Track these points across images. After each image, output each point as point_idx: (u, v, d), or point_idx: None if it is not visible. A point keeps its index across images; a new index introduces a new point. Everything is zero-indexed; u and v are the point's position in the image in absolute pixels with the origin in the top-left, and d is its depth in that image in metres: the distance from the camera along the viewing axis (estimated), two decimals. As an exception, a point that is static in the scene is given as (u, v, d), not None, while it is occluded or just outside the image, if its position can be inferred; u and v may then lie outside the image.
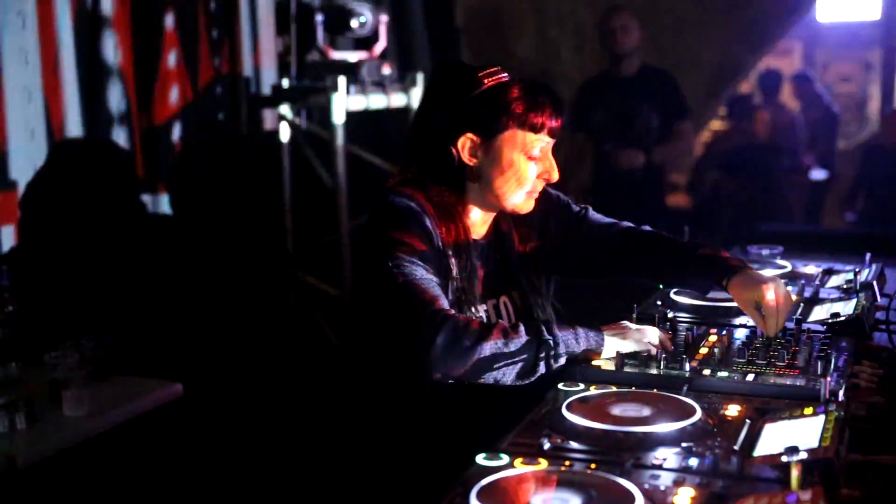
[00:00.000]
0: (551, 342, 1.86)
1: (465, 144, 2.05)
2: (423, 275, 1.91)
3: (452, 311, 1.87)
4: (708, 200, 6.93)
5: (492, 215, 2.17)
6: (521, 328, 1.87)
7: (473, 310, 2.04)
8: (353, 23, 4.44)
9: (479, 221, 2.15)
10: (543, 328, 1.88)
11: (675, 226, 2.46)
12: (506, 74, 2.07)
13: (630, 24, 4.92)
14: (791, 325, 2.09)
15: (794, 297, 2.18)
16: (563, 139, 2.12)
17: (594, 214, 2.32)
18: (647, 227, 2.31)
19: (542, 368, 1.86)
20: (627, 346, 1.93)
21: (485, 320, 2.06)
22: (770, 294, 2.00)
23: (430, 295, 1.87)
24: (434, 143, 2.06)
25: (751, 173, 6.67)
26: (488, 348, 1.82)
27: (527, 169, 2.05)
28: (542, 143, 2.05)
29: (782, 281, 2.07)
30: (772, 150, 7.10)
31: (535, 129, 2.03)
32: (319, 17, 4.46)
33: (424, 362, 1.82)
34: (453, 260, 2.02)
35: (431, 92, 2.12)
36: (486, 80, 2.04)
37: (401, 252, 1.92)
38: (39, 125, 3.39)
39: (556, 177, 2.09)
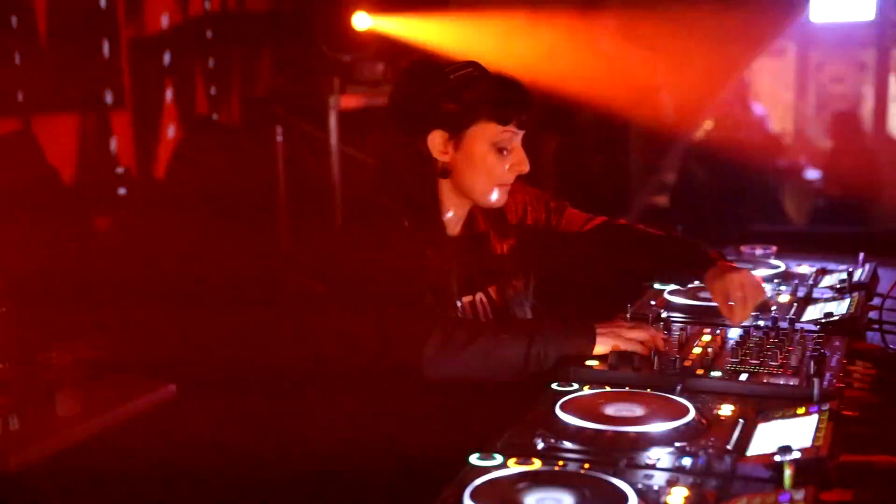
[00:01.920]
0: (541, 339, 1.87)
1: (435, 141, 2.05)
2: (405, 274, 1.92)
3: (439, 310, 1.87)
4: (699, 200, 6.92)
5: (466, 210, 2.18)
6: (512, 325, 1.87)
7: (452, 306, 2.05)
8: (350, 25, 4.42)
9: (454, 217, 2.16)
10: (534, 325, 1.88)
11: (667, 226, 2.46)
12: (472, 69, 2.07)
13: None
14: (784, 324, 2.09)
15: (765, 290, 2.18)
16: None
17: (572, 210, 2.33)
18: (623, 221, 2.32)
19: (532, 365, 1.86)
20: (618, 344, 1.93)
21: (461, 316, 2.07)
22: (737, 284, 2.03)
23: (414, 295, 1.88)
24: (405, 142, 2.07)
25: (742, 172, 6.67)
26: (479, 347, 1.82)
27: (498, 162, 2.06)
28: (511, 135, 2.06)
29: (753, 273, 2.10)
30: (764, 150, 7.09)
31: (504, 122, 2.04)
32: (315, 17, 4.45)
33: (415, 363, 1.82)
34: (430, 257, 2.04)
35: (400, 90, 2.12)
36: (452, 76, 2.04)
37: (380, 253, 1.93)
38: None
39: (526, 168, 2.10)
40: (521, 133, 2.09)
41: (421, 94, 2.05)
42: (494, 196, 2.10)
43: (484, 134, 2.04)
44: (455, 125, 2.04)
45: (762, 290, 2.11)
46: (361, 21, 4.52)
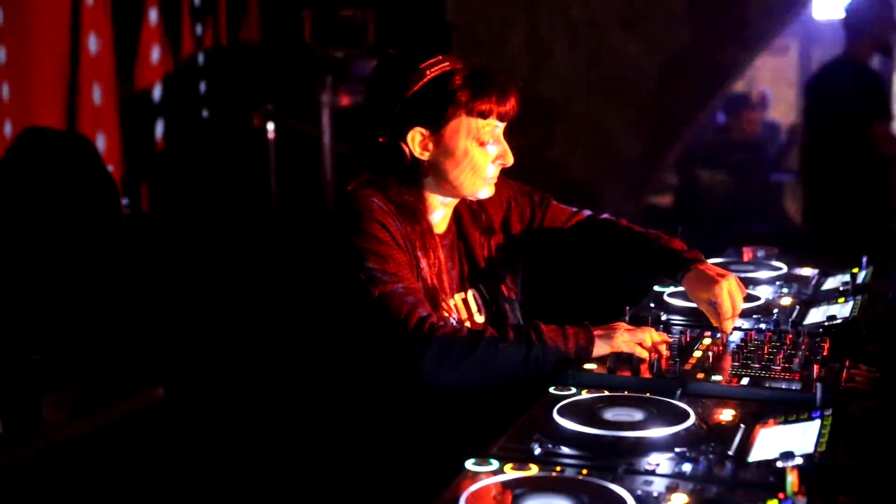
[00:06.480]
0: (540, 345, 1.84)
1: (415, 139, 2.02)
2: (398, 283, 1.88)
3: (435, 319, 1.83)
4: (700, 200, 6.91)
5: (451, 208, 2.16)
6: (510, 332, 1.84)
7: (444, 305, 2.02)
8: (341, 18, 4.40)
9: (439, 216, 2.13)
10: (532, 331, 1.86)
11: (668, 226, 2.43)
12: (448, 63, 2.03)
13: None
14: (787, 327, 2.07)
15: (744, 290, 2.15)
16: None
17: (556, 204, 2.31)
18: (607, 216, 2.30)
19: (531, 371, 1.83)
20: (617, 348, 1.90)
21: (455, 316, 2.05)
22: (723, 292, 2.00)
23: (409, 305, 1.84)
24: (384, 141, 2.03)
25: (744, 172, 6.67)
26: (478, 356, 1.80)
27: (480, 156, 2.03)
28: (492, 128, 2.03)
29: (736, 277, 2.06)
30: (765, 150, 7.09)
31: (484, 115, 2.01)
32: (306, 13, 4.43)
33: (414, 375, 1.79)
34: (420, 257, 2.01)
35: (374, 87, 2.08)
36: (427, 72, 2.00)
37: (370, 262, 1.88)
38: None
39: (510, 160, 2.07)
40: (502, 125, 2.06)
41: (397, 92, 2.00)
42: (480, 190, 2.08)
43: (464, 129, 2.01)
44: (434, 122, 2.00)
45: (743, 294, 2.07)
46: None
